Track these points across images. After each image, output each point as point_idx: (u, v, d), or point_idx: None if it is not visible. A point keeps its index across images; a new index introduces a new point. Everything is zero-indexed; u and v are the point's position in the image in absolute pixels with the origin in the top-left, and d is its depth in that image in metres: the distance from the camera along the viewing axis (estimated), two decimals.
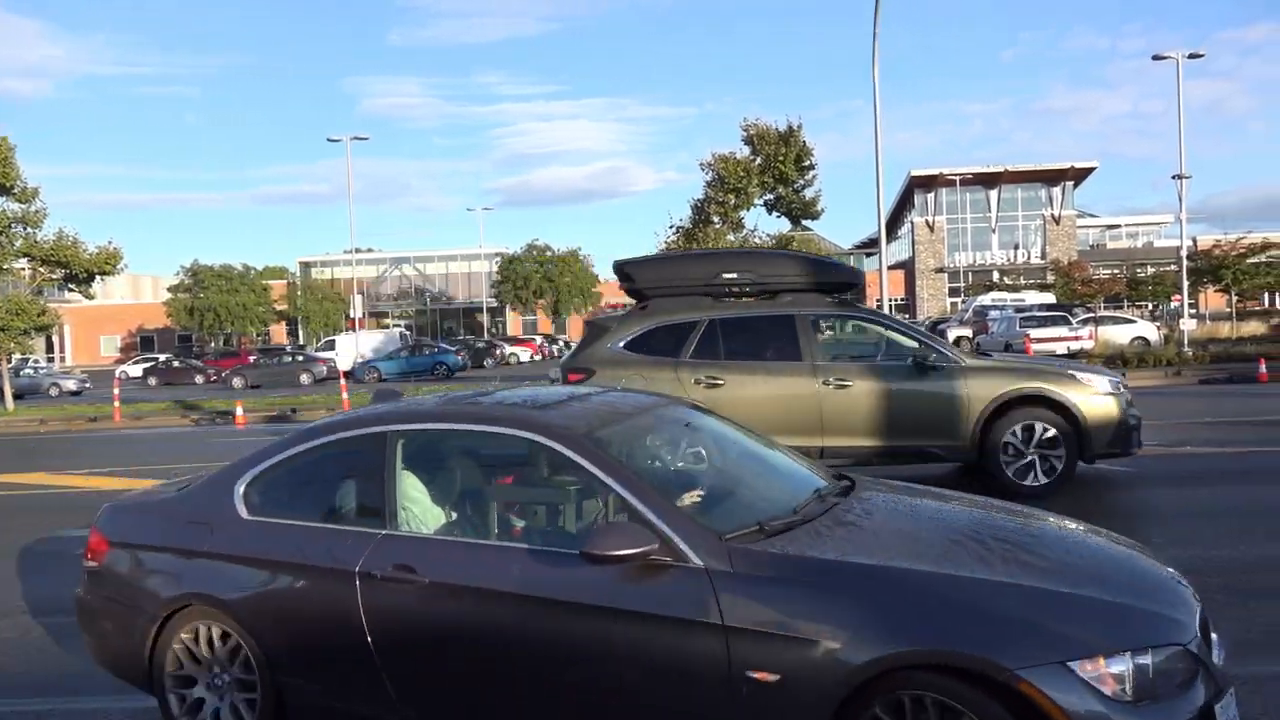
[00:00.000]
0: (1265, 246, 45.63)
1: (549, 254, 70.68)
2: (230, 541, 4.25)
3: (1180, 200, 33.90)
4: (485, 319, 78.48)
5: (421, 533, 4.00)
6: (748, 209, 30.95)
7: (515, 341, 57.62)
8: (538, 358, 53.26)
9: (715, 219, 30.51)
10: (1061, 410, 8.59)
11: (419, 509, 4.10)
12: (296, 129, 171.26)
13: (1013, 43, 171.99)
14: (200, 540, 4.32)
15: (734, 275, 9.24)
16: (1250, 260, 44.55)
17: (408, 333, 55.93)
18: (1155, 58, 34.01)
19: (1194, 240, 54.38)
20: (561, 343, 61.54)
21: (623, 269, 9.85)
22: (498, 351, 50.94)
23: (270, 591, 4.11)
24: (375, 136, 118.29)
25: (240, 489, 4.38)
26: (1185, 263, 36.23)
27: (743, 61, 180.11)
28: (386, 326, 72.02)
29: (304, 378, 39.82)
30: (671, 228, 30.67)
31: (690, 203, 30.95)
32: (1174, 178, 33.50)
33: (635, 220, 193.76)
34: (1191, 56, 33.52)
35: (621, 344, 9.16)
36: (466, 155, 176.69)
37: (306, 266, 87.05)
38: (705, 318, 9.03)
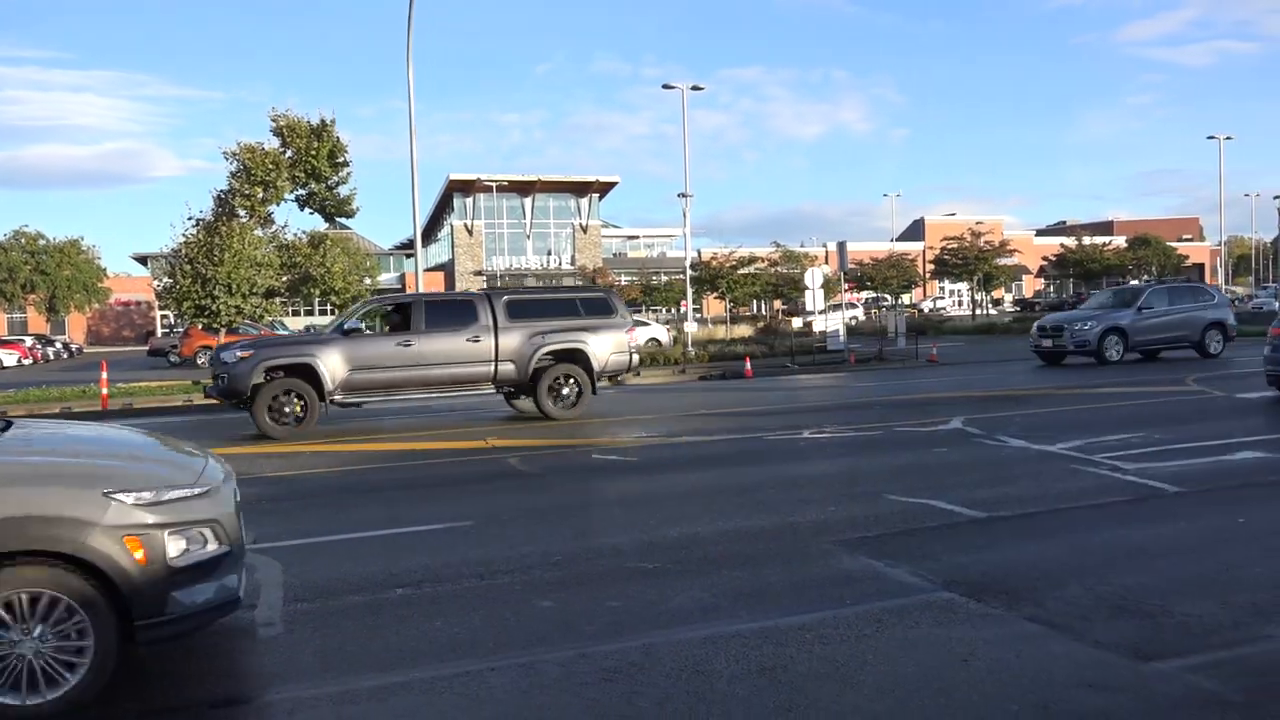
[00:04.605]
0: (752, 260, 52.58)
1: (43, 243, 61.81)
2: None
3: (685, 216, 37.97)
4: None
5: None
6: (278, 203, 29.32)
7: None
8: (28, 361, 46.20)
9: (241, 212, 28.55)
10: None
11: None
12: None
13: (547, 59, 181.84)
14: None
15: None
16: (741, 271, 51.12)
17: None
18: (665, 86, 37.81)
19: (698, 252, 61.18)
20: (60, 345, 54.07)
21: None
22: None
23: None
24: None
25: None
26: (690, 272, 40.65)
27: (278, 49, 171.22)
28: None
29: None
30: (191, 220, 28.16)
31: (212, 194, 28.64)
32: (680, 195, 37.44)
33: (155, 209, 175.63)
34: (694, 88, 37.66)
35: None
36: None
37: None
38: None
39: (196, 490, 4.70)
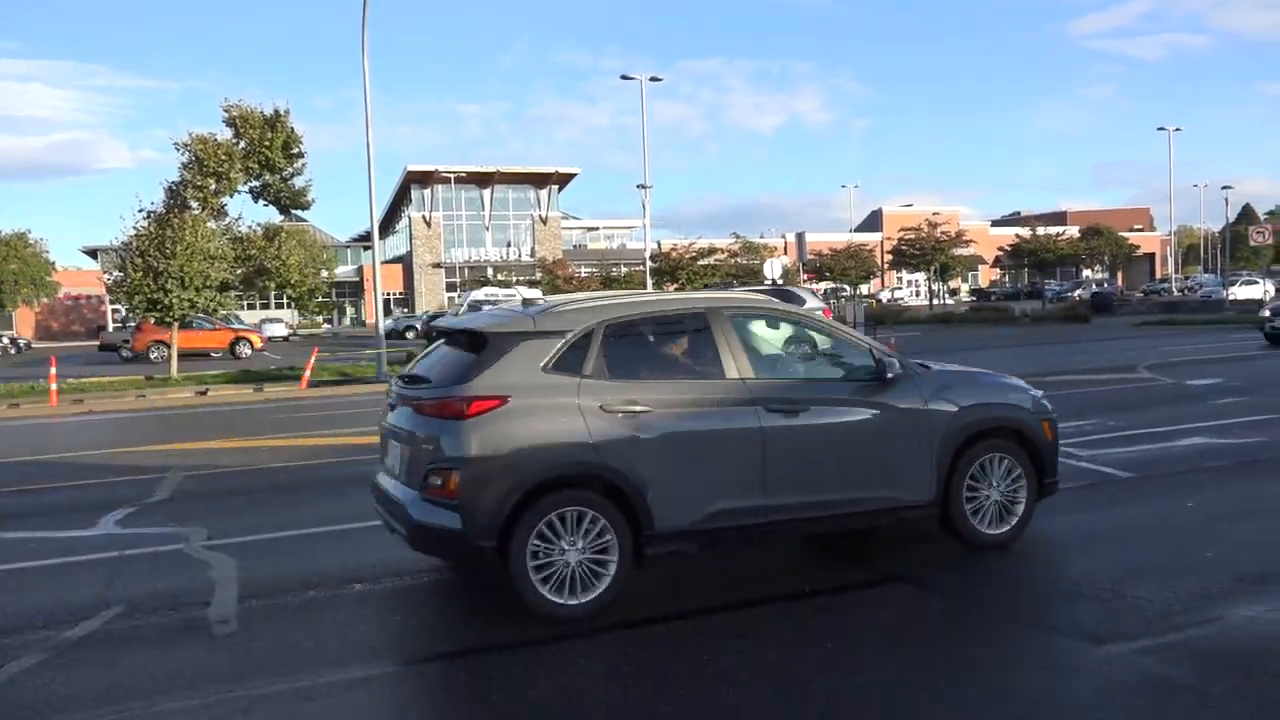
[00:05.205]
0: (712, 250, 52.67)
1: None
2: None
3: (644, 207, 38.02)
4: None
5: None
6: (231, 195, 28.87)
7: None
8: None
9: (194, 204, 28.07)
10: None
11: None
12: None
13: (509, 49, 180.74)
14: None
15: None
16: (701, 262, 51.21)
17: None
18: (624, 77, 37.80)
19: (658, 243, 61.20)
20: (7, 340, 52.92)
21: None
22: None
23: None
24: None
25: None
26: (649, 264, 40.68)
27: (234, 39, 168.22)
28: None
29: None
30: (142, 212, 27.63)
31: (163, 185, 28.12)
32: (639, 187, 37.44)
33: (106, 201, 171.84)
34: (653, 79, 37.68)
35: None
36: None
37: None
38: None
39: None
